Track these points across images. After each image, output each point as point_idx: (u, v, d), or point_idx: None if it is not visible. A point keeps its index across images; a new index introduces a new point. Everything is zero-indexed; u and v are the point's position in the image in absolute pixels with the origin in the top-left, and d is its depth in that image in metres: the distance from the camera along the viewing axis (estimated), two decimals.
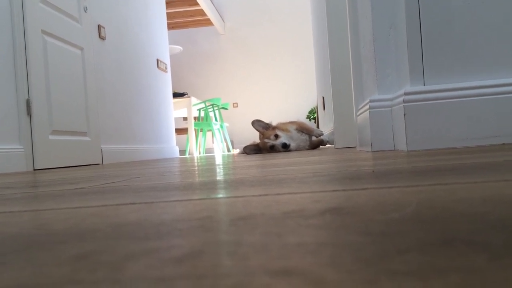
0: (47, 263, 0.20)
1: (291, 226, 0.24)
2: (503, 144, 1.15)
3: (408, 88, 1.23)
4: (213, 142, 6.00)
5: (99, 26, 3.13)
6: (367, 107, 1.43)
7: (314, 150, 2.76)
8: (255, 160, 1.50)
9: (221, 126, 5.42)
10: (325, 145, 3.14)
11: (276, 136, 2.83)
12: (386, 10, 1.38)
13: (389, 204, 0.30)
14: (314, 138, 3.06)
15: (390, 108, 1.36)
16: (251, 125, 3.04)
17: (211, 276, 0.16)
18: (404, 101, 1.21)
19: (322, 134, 3.06)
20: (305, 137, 2.96)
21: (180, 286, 0.15)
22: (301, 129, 3.00)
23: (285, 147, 2.78)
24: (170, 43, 6.74)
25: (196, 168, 1.16)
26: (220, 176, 0.72)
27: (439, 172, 0.50)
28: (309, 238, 0.21)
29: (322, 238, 0.21)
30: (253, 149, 2.92)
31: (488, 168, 0.51)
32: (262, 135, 2.94)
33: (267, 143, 2.83)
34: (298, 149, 2.92)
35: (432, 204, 0.29)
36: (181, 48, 6.45)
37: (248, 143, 3.06)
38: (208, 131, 5.56)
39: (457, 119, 1.18)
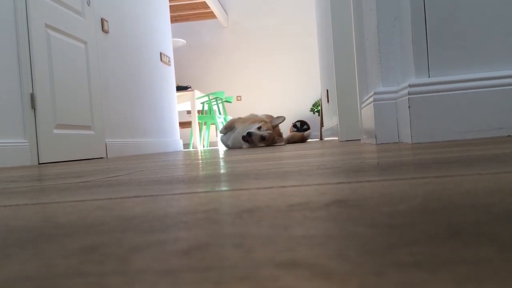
0: (54, 256, 0.20)
1: (297, 219, 0.24)
2: (508, 136, 1.14)
3: (413, 80, 1.22)
4: (217, 136, 6.00)
5: (102, 20, 3.12)
6: (371, 99, 1.42)
7: (319, 142, 2.75)
8: (259, 153, 1.50)
9: (225, 120, 5.42)
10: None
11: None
12: (391, 2, 1.37)
13: (395, 196, 0.30)
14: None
15: (394, 101, 1.36)
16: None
17: (218, 268, 0.16)
18: (409, 93, 1.20)
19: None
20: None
21: (186, 278, 0.15)
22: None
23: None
24: (173, 36, 6.74)
25: (200, 161, 1.16)
26: (224, 169, 0.72)
27: (445, 164, 0.49)
28: (315, 231, 0.21)
29: (329, 230, 0.21)
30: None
31: (494, 159, 0.51)
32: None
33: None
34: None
35: (438, 196, 0.28)
36: (184, 41, 6.44)
37: None
38: (212, 124, 5.56)
39: (462, 111, 1.17)
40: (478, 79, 1.18)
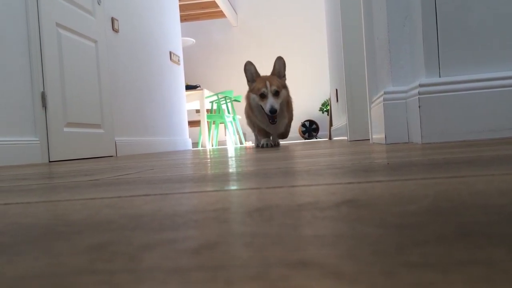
0: (64, 253, 0.20)
1: (307, 218, 0.24)
2: None
3: (423, 80, 1.21)
4: (225, 135, 6.01)
5: (112, 19, 3.14)
6: (381, 99, 1.41)
7: (328, 142, 2.73)
8: (267, 153, 1.50)
9: (234, 119, 5.42)
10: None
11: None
12: (401, 1, 1.36)
13: (405, 196, 0.29)
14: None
15: (404, 100, 1.35)
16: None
17: (228, 267, 0.16)
18: (419, 93, 1.19)
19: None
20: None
21: (196, 277, 0.15)
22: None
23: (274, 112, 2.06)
24: (182, 35, 6.75)
25: (209, 160, 1.16)
26: (233, 169, 0.72)
27: (456, 165, 0.49)
28: (325, 230, 0.21)
29: (339, 230, 0.21)
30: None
31: (506, 160, 0.50)
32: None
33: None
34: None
35: (449, 196, 0.28)
36: (193, 40, 6.45)
37: None
38: (220, 123, 5.56)
39: (473, 111, 1.16)
40: (489, 79, 1.16)
